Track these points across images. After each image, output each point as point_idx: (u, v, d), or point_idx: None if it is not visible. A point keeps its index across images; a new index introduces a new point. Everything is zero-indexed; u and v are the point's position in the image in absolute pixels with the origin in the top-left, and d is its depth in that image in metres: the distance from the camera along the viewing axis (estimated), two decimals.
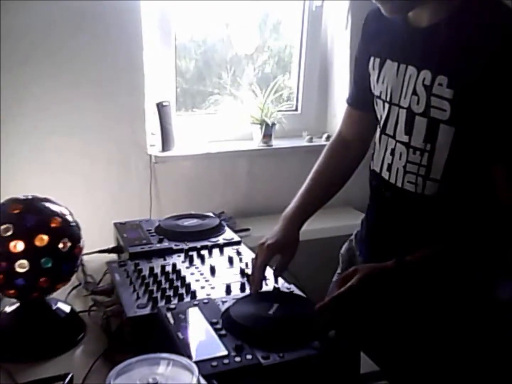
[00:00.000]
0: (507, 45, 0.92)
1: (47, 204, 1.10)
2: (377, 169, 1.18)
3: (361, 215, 1.37)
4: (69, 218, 1.12)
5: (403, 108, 1.08)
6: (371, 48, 1.17)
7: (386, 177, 1.15)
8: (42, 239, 1.04)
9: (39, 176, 1.99)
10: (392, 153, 1.12)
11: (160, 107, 2.15)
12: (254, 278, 1.12)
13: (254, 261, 1.17)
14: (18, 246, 1.02)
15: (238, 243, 1.38)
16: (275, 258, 1.19)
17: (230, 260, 1.27)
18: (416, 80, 1.04)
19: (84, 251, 1.18)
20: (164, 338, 0.94)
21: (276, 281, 1.16)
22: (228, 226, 1.51)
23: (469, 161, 1.03)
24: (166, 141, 2.19)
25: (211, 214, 1.56)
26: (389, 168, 1.14)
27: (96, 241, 1.35)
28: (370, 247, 1.30)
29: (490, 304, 1.29)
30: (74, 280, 1.22)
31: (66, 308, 1.17)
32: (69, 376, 0.93)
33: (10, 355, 1.04)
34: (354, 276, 1.00)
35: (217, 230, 1.43)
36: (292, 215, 1.24)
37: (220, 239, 1.38)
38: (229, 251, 1.33)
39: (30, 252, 1.03)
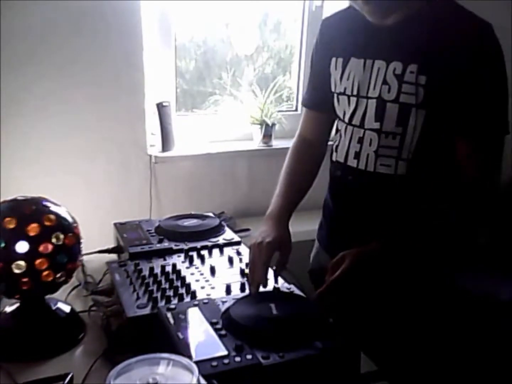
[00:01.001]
0: (469, 33, 1.07)
1: (46, 204, 1.10)
2: (341, 159, 1.27)
3: None
4: (67, 217, 1.12)
5: (372, 98, 1.18)
6: (331, 50, 1.27)
7: (354, 165, 1.23)
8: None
9: (39, 176, 1.99)
10: (360, 141, 1.22)
11: (160, 107, 2.15)
12: (258, 276, 1.12)
13: (252, 260, 1.16)
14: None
15: (238, 243, 1.38)
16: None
17: (230, 260, 1.27)
18: (386, 71, 1.15)
19: (84, 251, 1.18)
20: (164, 338, 0.94)
21: (276, 281, 1.16)
22: (228, 226, 1.51)
23: (438, 139, 1.14)
24: (166, 141, 2.19)
25: (211, 214, 1.56)
26: (357, 156, 1.22)
27: (96, 241, 1.35)
28: (336, 238, 1.35)
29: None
30: (74, 280, 1.22)
31: (66, 308, 1.17)
32: (69, 376, 0.94)
33: (10, 355, 1.04)
34: (343, 262, 1.08)
35: (217, 230, 1.43)
36: (279, 214, 1.28)
37: (220, 239, 1.38)
38: (229, 251, 1.33)
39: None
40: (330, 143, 1.41)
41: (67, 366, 1.00)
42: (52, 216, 1.07)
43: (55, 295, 1.15)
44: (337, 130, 1.32)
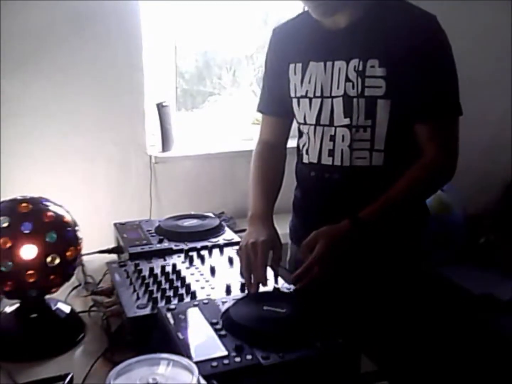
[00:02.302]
0: (418, 25, 1.16)
1: (45, 204, 1.10)
2: (315, 159, 1.30)
3: None
4: (68, 218, 1.12)
5: (337, 97, 1.23)
6: (288, 57, 1.31)
7: (329, 162, 1.27)
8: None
9: (39, 176, 1.99)
10: (332, 139, 1.25)
11: (160, 107, 2.15)
12: (258, 276, 1.12)
13: (250, 261, 1.15)
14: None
15: (238, 243, 1.37)
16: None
17: (230, 261, 1.27)
18: (347, 70, 1.20)
19: (84, 251, 1.18)
20: (164, 339, 0.94)
21: (276, 281, 1.16)
22: (228, 226, 1.51)
23: (405, 128, 1.20)
24: (166, 142, 2.19)
25: (211, 215, 1.56)
26: (331, 153, 1.26)
27: (96, 242, 1.35)
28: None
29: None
30: (74, 280, 1.22)
31: (66, 309, 1.17)
32: (69, 376, 0.93)
33: (10, 355, 1.04)
34: (316, 242, 1.11)
35: (217, 230, 1.43)
36: (263, 215, 1.30)
37: (220, 240, 1.38)
38: (229, 251, 1.33)
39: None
40: (291, 146, 1.44)
41: (67, 366, 1.00)
42: (49, 214, 1.07)
43: (55, 295, 1.15)
44: (301, 134, 1.35)
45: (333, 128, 1.25)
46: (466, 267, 2.40)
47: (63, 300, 1.20)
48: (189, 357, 0.83)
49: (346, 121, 1.22)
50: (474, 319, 1.98)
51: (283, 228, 1.50)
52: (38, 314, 1.13)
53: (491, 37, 2.58)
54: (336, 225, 1.15)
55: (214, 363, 0.84)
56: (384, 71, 1.16)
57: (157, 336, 0.98)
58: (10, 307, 1.13)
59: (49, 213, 1.08)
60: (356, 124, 1.21)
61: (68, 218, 1.12)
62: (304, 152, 1.34)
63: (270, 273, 1.18)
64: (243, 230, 2.06)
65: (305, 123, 1.31)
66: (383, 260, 1.26)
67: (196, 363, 0.76)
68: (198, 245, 1.34)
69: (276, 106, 1.40)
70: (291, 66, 1.31)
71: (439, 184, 1.28)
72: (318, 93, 1.26)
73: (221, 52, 2.46)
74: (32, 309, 1.12)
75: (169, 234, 1.39)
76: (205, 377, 0.75)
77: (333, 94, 1.24)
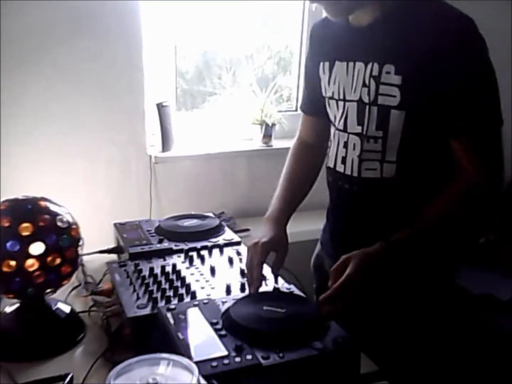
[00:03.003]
0: (446, 31, 1.02)
1: (45, 204, 1.10)
2: (332, 165, 1.25)
3: None
4: (68, 218, 1.12)
5: (353, 101, 1.16)
6: (320, 55, 1.26)
7: (342, 170, 1.22)
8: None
9: (39, 176, 1.99)
10: (345, 145, 1.20)
11: (160, 107, 2.15)
12: (253, 276, 1.13)
13: (249, 260, 1.16)
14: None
15: (238, 243, 1.38)
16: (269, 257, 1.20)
17: (230, 261, 1.27)
18: (365, 73, 1.12)
19: (84, 251, 1.18)
20: (164, 338, 0.94)
21: (276, 281, 1.16)
22: (228, 226, 1.51)
23: (421, 141, 1.11)
24: (166, 142, 2.19)
25: (211, 215, 1.56)
26: (343, 161, 1.21)
27: (96, 242, 1.35)
28: (335, 242, 1.33)
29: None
30: (74, 280, 1.22)
31: (66, 309, 1.17)
32: (69, 376, 0.94)
33: (10, 355, 1.04)
34: (347, 266, 1.02)
35: (217, 230, 1.43)
36: (277, 216, 1.28)
37: (220, 240, 1.38)
38: (229, 251, 1.33)
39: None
40: None
41: (67, 366, 1.00)
42: (46, 216, 1.07)
43: (55, 295, 1.15)
44: (331, 136, 1.31)
45: (347, 135, 1.19)
46: (466, 267, 2.40)
47: (63, 300, 1.20)
48: (189, 357, 0.83)
49: (358, 129, 1.16)
50: (474, 319, 1.98)
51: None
52: (38, 314, 1.13)
53: (491, 37, 2.58)
54: (367, 248, 1.06)
55: (214, 363, 0.84)
56: (399, 79, 1.06)
57: (157, 336, 0.98)
58: (10, 307, 1.13)
59: (49, 213, 1.08)
60: (368, 134, 1.14)
61: (68, 218, 1.12)
62: (327, 154, 1.31)
63: (270, 273, 1.18)
64: (243, 230, 2.09)
65: (332, 125, 1.27)
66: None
67: (196, 363, 0.76)
68: (198, 245, 1.34)
69: (313, 105, 1.36)
70: (321, 64, 1.25)
71: (483, 206, 1.13)
72: (341, 96, 1.20)
73: (221, 52, 2.45)
74: (32, 309, 1.12)
75: (169, 234, 1.39)
76: (205, 377, 0.75)
77: (351, 98, 1.17)
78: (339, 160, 1.22)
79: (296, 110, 2.54)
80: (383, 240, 1.07)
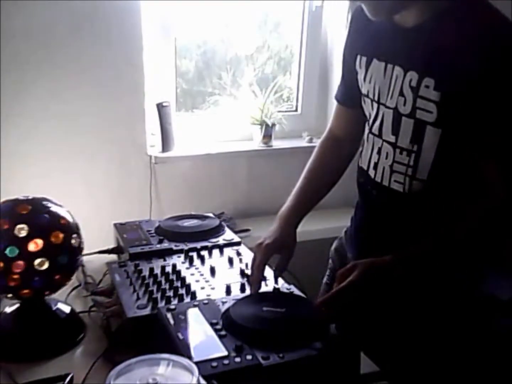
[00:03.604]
0: (495, 47, 0.92)
1: (47, 204, 1.10)
2: (365, 167, 1.20)
3: None
4: (69, 218, 1.12)
5: (389, 108, 1.09)
6: (357, 46, 1.18)
7: (372, 175, 1.17)
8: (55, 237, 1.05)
9: (39, 176, 1.99)
10: (379, 152, 1.14)
11: (160, 107, 2.15)
12: (253, 277, 1.13)
13: (253, 261, 1.17)
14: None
15: (238, 243, 1.38)
16: (274, 257, 1.19)
17: (230, 261, 1.27)
18: (403, 81, 1.04)
19: (84, 252, 1.18)
20: (164, 339, 0.94)
21: (276, 282, 1.16)
22: (228, 226, 1.51)
23: (455, 161, 1.05)
24: (166, 142, 2.19)
25: (211, 215, 1.56)
26: (375, 167, 1.16)
27: (96, 242, 1.35)
28: (357, 243, 1.30)
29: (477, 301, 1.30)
30: (74, 280, 1.22)
31: (66, 309, 1.17)
32: (69, 376, 0.94)
33: (10, 355, 1.04)
34: (353, 271, 1.00)
35: (217, 230, 1.43)
36: (288, 214, 1.25)
37: (220, 240, 1.38)
38: (229, 251, 1.33)
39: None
40: None
41: (67, 366, 1.00)
42: (50, 214, 1.07)
43: (55, 295, 1.15)
44: (364, 134, 1.24)
45: (381, 141, 1.14)
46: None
47: (63, 300, 1.20)
48: (189, 357, 0.83)
49: (392, 138, 1.10)
50: (474, 319, 1.98)
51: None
52: (38, 314, 1.13)
53: None
54: (377, 258, 1.04)
55: (214, 363, 0.84)
56: (438, 95, 0.98)
57: (157, 336, 0.98)
58: (10, 307, 1.13)
59: (49, 214, 1.08)
60: (401, 145, 1.09)
61: (68, 218, 1.12)
62: (360, 154, 1.25)
63: (270, 273, 1.18)
64: (243, 230, 2.09)
65: (367, 124, 1.20)
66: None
67: (196, 363, 0.76)
68: (198, 245, 1.34)
69: (349, 95, 1.28)
70: (358, 57, 1.17)
71: (493, 218, 1.07)
72: (376, 97, 1.13)
73: (221, 52, 2.45)
74: (32, 309, 1.12)
75: (169, 234, 1.39)
76: (205, 377, 0.75)
77: (387, 104, 1.10)
78: (372, 165, 1.17)
79: (296, 110, 2.54)
80: (395, 253, 1.04)
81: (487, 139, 1.00)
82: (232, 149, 2.33)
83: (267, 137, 2.34)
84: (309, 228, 1.88)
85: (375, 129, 1.15)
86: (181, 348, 0.87)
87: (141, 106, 2.13)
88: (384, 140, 1.13)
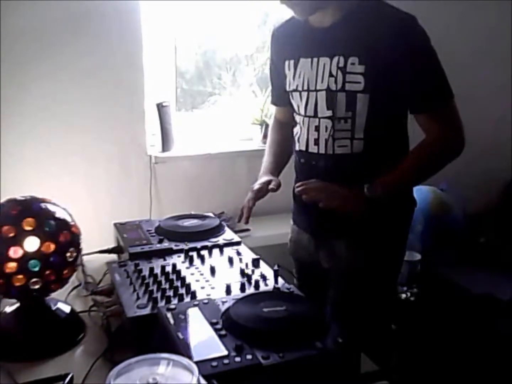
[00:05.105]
0: (397, 24, 1.24)
1: (45, 205, 1.10)
2: (304, 148, 1.41)
3: None
4: (68, 218, 1.12)
5: (321, 90, 1.33)
6: (284, 55, 1.43)
7: (315, 151, 1.38)
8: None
9: (39, 177, 1.99)
10: (317, 129, 1.36)
11: (160, 107, 2.15)
12: (244, 209, 1.42)
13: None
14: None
15: (238, 243, 1.38)
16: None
17: (230, 261, 1.27)
18: (331, 65, 1.30)
19: (84, 251, 1.18)
20: (164, 338, 0.94)
21: (276, 281, 1.16)
22: (228, 226, 1.51)
23: (383, 118, 1.31)
24: (166, 142, 2.19)
25: (211, 215, 1.56)
26: (316, 142, 1.37)
27: (96, 242, 1.35)
28: (312, 215, 1.43)
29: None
30: (74, 280, 1.22)
31: (66, 309, 1.17)
32: (69, 376, 0.93)
33: (10, 355, 1.04)
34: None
35: (217, 230, 1.43)
36: (269, 169, 1.53)
37: (220, 240, 1.38)
38: (229, 251, 1.33)
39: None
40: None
41: (67, 366, 1.00)
42: (49, 215, 1.07)
43: (55, 295, 1.15)
44: (295, 123, 1.46)
45: (317, 119, 1.36)
46: (466, 267, 2.40)
47: (63, 300, 1.20)
48: (189, 357, 0.83)
49: (329, 113, 1.33)
50: (474, 319, 1.98)
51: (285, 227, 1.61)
52: (38, 314, 1.13)
53: (491, 37, 2.58)
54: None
55: (214, 363, 0.84)
56: (363, 68, 1.25)
57: (157, 336, 0.98)
58: (10, 307, 1.13)
59: (49, 214, 1.08)
60: (338, 116, 1.31)
61: (68, 218, 1.12)
62: (296, 140, 1.45)
63: (270, 273, 1.18)
64: (243, 230, 2.09)
65: (298, 114, 1.43)
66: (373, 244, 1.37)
67: (196, 363, 0.76)
68: (198, 245, 1.34)
69: (281, 98, 1.54)
70: (286, 62, 1.42)
71: (448, 157, 1.32)
72: (305, 87, 1.37)
73: (221, 52, 2.45)
74: (32, 309, 1.12)
75: (169, 234, 1.39)
76: (205, 377, 0.75)
77: (317, 88, 1.34)
78: (311, 142, 1.39)
79: None
80: (368, 185, 1.28)
81: (413, 97, 1.28)
82: (232, 149, 2.33)
83: (267, 137, 2.33)
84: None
85: (309, 111, 1.37)
86: (181, 348, 0.87)
87: (141, 106, 2.13)
88: (320, 118, 1.35)
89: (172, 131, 2.21)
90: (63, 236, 1.08)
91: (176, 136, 2.23)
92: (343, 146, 1.34)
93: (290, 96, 1.45)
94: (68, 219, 1.12)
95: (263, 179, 1.48)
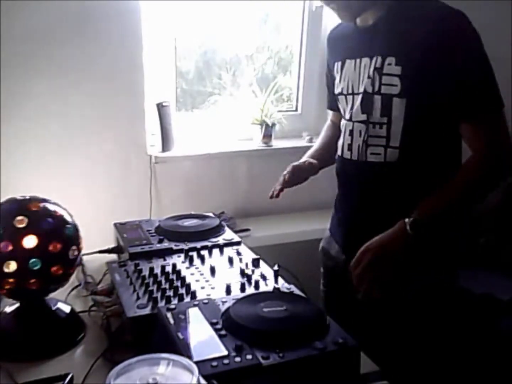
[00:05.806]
0: (441, 22, 1.13)
1: (45, 205, 1.10)
2: (340, 153, 1.36)
3: None
4: (67, 218, 1.12)
5: (359, 93, 1.27)
6: (334, 57, 1.40)
7: (348, 157, 1.32)
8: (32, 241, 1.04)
9: (39, 177, 1.99)
10: (351, 133, 1.30)
11: (160, 107, 2.15)
12: (279, 183, 1.42)
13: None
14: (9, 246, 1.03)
15: (238, 243, 1.38)
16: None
17: (230, 261, 1.27)
18: (370, 67, 1.23)
19: (84, 251, 1.18)
20: (164, 338, 0.94)
21: (276, 281, 1.16)
22: (228, 226, 1.51)
23: (422, 126, 1.20)
24: (166, 142, 2.19)
25: (211, 215, 1.56)
26: (349, 148, 1.31)
27: (96, 241, 1.35)
28: (344, 229, 1.39)
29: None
30: (74, 280, 1.22)
31: (66, 308, 1.17)
32: (69, 376, 0.93)
33: (10, 355, 1.04)
34: (366, 256, 1.15)
35: (217, 230, 1.43)
36: (312, 155, 1.50)
37: (220, 240, 1.38)
38: (229, 251, 1.33)
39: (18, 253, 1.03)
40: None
41: (67, 366, 1.00)
42: (49, 214, 1.07)
43: (55, 295, 1.15)
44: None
45: (352, 123, 1.30)
46: (466, 267, 2.40)
47: (63, 300, 1.20)
48: (189, 357, 0.83)
49: (363, 117, 1.26)
50: (475, 319, 1.98)
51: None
52: (38, 314, 1.13)
53: (491, 37, 2.58)
54: (387, 232, 1.17)
55: (214, 363, 0.84)
56: (399, 69, 1.17)
57: (157, 336, 0.98)
58: (10, 307, 1.14)
59: (49, 213, 1.08)
60: (373, 120, 1.24)
61: (68, 218, 1.12)
62: (337, 145, 1.40)
63: (270, 273, 1.18)
64: (243, 230, 2.09)
65: (343, 118, 1.37)
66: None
67: (196, 363, 0.76)
68: (198, 245, 1.34)
69: (334, 103, 1.46)
70: (335, 65, 1.38)
71: (494, 181, 1.21)
72: (350, 90, 1.32)
73: (221, 52, 2.45)
74: (32, 309, 1.12)
75: (169, 234, 1.39)
76: (205, 377, 0.75)
77: (358, 91, 1.28)
78: (346, 147, 1.32)
79: (296, 110, 2.54)
80: (403, 219, 1.16)
81: (456, 102, 1.15)
82: (232, 149, 2.33)
83: (267, 137, 2.34)
84: (310, 227, 1.88)
85: (347, 115, 1.32)
86: (181, 348, 0.87)
87: (141, 106, 2.13)
88: (354, 122, 1.29)
89: (172, 131, 2.21)
90: (63, 235, 1.08)
91: (176, 136, 2.23)
92: (376, 153, 1.24)
93: (337, 101, 1.40)
94: (68, 218, 1.12)
95: (303, 159, 1.47)
